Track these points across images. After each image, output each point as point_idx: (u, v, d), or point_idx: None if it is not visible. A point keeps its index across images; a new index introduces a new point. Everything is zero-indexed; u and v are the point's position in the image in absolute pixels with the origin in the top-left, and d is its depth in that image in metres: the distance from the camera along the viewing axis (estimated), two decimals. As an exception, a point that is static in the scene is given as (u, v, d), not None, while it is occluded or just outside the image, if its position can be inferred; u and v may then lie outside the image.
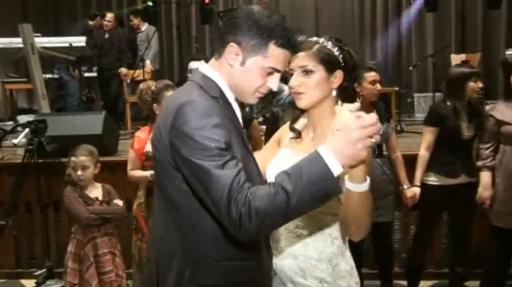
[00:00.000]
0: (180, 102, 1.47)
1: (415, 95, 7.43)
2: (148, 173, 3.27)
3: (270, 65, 1.55)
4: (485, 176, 3.47)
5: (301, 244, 1.74)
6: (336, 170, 1.34)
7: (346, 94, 1.76)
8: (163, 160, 1.52)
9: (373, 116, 1.34)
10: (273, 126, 3.20)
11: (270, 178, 1.75)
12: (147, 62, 7.30)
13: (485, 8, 7.32)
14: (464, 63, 5.58)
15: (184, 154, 1.43)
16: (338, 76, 1.73)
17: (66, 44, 6.77)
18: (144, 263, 3.37)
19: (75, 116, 5.09)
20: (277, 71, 1.57)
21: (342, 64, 1.73)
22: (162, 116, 1.57)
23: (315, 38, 1.77)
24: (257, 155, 1.83)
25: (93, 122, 4.67)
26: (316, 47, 1.73)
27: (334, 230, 1.73)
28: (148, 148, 3.30)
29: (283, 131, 1.93)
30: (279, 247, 1.77)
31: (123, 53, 7.52)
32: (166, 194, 1.56)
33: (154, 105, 3.31)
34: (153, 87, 3.35)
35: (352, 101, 1.76)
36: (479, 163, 3.49)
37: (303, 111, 1.83)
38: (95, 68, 7.71)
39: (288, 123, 1.93)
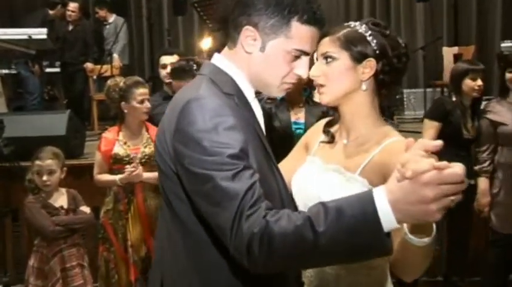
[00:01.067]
0: (185, 100, 1.33)
1: (405, 91, 7.48)
2: (116, 177, 3.26)
3: (295, 46, 1.38)
4: (482, 182, 3.51)
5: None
6: (389, 226, 1.13)
7: (383, 89, 1.59)
8: (167, 169, 1.37)
9: (460, 169, 1.08)
10: (266, 125, 3.23)
11: (295, 192, 1.64)
12: (115, 56, 7.24)
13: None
14: (468, 59, 5.62)
15: (187, 160, 1.27)
16: (369, 66, 1.54)
17: (25, 37, 6.64)
18: (112, 276, 3.34)
19: (36, 116, 5.02)
20: (305, 53, 1.41)
21: (377, 52, 1.53)
22: (166, 116, 1.42)
23: (349, 23, 1.61)
24: (282, 163, 1.71)
25: (56, 122, 4.62)
26: (344, 31, 1.56)
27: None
28: (117, 149, 3.29)
29: (313, 133, 1.77)
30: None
31: (88, 46, 7.45)
32: (171, 209, 1.41)
33: (123, 103, 3.30)
34: (121, 84, 3.32)
35: (390, 97, 1.62)
36: (477, 168, 3.52)
37: (337, 111, 1.65)
38: (57, 63, 7.60)
39: (318, 124, 1.78)
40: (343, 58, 1.55)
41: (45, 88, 7.37)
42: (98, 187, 3.47)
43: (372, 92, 1.59)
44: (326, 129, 1.70)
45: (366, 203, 1.14)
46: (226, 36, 1.47)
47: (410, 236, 1.25)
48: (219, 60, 1.47)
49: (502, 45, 6.39)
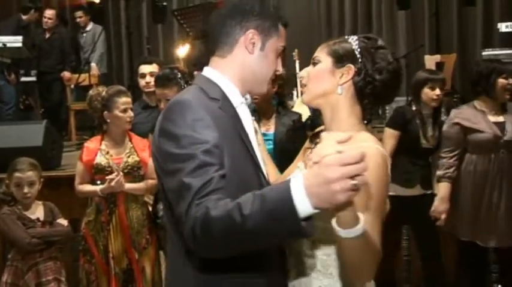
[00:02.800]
0: (170, 102, 1.55)
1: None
2: (98, 187, 3.24)
3: (283, 43, 1.68)
4: (444, 188, 3.49)
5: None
6: (305, 210, 1.25)
7: (365, 100, 1.67)
8: (159, 169, 1.54)
9: (358, 153, 1.22)
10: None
11: None
12: (93, 65, 7.20)
13: (461, 5, 7.52)
14: (433, 68, 5.70)
15: (163, 155, 1.48)
16: (347, 71, 1.66)
17: (0, 45, 6.61)
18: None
19: (11, 126, 4.95)
20: (284, 49, 1.71)
21: (359, 60, 1.65)
22: (158, 121, 1.59)
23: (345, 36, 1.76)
24: (287, 169, 1.89)
25: (32, 133, 4.55)
26: (336, 41, 1.73)
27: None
28: (99, 159, 3.27)
29: (306, 143, 1.88)
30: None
31: (66, 54, 7.39)
32: (168, 210, 1.57)
33: (105, 113, 3.28)
34: (103, 94, 3.31)
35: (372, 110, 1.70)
36: (440, 172, 3.50)
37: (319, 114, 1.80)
38: (33, 72, 7.49)
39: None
40: (326, 62, 1.69)
41: (20, 97, 7.28)
42: (76, 198, 3.44)
43: (351, 98, 1.68)
44: (312, 135, 1.81)
45: (284, 189, 1.27)
46: (215, 46, 1.68)
47: (337, 228, 1.34)
48: (208, 71, 1.68)
49: (483, 53, 6.49)
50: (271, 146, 3.08)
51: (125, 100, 3.28)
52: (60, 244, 3.41)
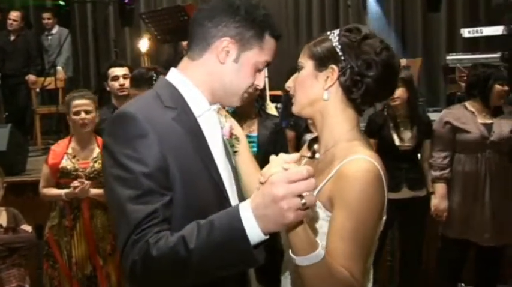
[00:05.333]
0: (114, 114, 1.40)
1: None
2: (63, 191, 3.21)
3: (266, 58, 1.48)
4: (441, 188, 3.57)
5: None
6: (255, 237, 1.16)
7: (358, 100, 1.49)
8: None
9: (305, 169, 1.13)
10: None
11: None
12: (59, 68, 7.08)
13: (425, 11, 7.66)
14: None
15: (104, 176, 1.36)
16: (330, 73, 1.48)
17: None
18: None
19: (-26, 131, 4.85)
20: (269, 64, 1.51)
21: (342, 58, 1.47)
22: None
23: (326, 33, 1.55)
24: None
25: (-4, 137, 4.48)
26: (315, 40, 1.54)
27: None
28: (65, 163, 3.25)
29: (304, 150, 1.72)
30: None
31: (31, 57, 7.27)
32: None
33: (68, 116, 3.31)
34: (66, 98, 3.35)
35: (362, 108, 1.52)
36: (436, 174, 3.57)
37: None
38: (-3, 75, 7.40)
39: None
40: (308, 67, 1.52)
41: (-17, 101, 7.14)
42: (41, 204, 3.40)
43: (341, 102, 1.50)
44: (310, 143, 1.65)
45: (233, 216, 1.17)
46: (189, 45, 1.50)
47: (291, 255, 1.26)
48: (172, 74, 1.51)
49: (448, 57, 6.62)
50: (255, 149, 3.07)
51: (77, 103, 3.28)
52: (24, 250, 3.35)
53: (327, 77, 1.48)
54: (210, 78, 1.47)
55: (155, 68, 3.48)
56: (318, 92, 1.50)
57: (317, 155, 1.45)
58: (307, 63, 1.52)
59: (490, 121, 3.55)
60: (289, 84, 1.58)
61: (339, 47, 1.47)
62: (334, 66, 1.47)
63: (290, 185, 1.12)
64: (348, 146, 1.47)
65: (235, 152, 1.65)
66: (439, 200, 3.56)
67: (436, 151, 3.59)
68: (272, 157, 1.24)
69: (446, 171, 3.56)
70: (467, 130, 3.51)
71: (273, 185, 1.13)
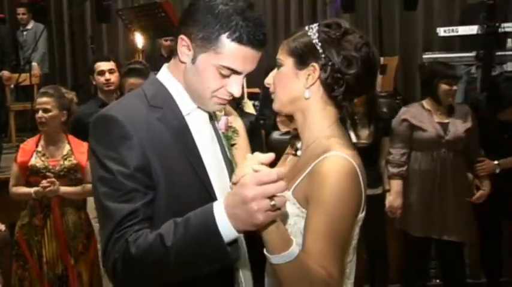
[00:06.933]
0: (97, 115, 1.43)
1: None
2: (32, 190, 3.18)
3: (223, 63, 1.37)
4: (396, 184, 3.60)
5: None
6: (227, 235, 1.19)
7: (340, 97, 1.49)
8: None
9: (276, 171, 1.16)
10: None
11: None
12: (34, 64, 6.99)
13: (402, 9, 7.72)
14: None
15: (92, 178, 1.41)
16: (311, 71, 1.46)
17: None
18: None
19: None
20: (235, 72, 1.40)
21: (322, 56, 1.45)
22: None
23: (304, 27, 1.51)
24: None
25: (-32, 134, 4.41)
26: (294, 36, 1.50)
27: None
28: (34, 161, 3.22)
29: (289, 149, 1.71)
30: None
31: (5, 53, 7.17)
32: None
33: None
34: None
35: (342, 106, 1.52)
36: (393, 170, 3.60)
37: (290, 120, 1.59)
38: (-30, 72, 7.26)
39: None
40: (287, 64, 1.50)
41: (-44, 98, 7.01)
42: (15, 202, 3.36)
43: (322, 100, 1.49)
44: (292, 141, 1.65)
45: (207, 213, 1.21)
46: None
47: (266, 253, 1.27)
48: (162, 71, 1.51)
49: (424, 56, 6.66)
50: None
51: (39, 100, 3.28)
52: (-3, 250, 3.31)
53: (308, 75, 1.47)
54: (184, 77, 1.46)
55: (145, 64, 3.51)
56: (299, 90, 1.48)
57: (299, 153, 1.50)
58: (286, 61, 1.50)
59: (446, 120, 3.59)
60: (268, 80, 1.56)
61: (319, 44, 1.45)
62: (315, 64, 1.45)
63: (260, 187, 1.14)
64: (326, 143, 1.47)
65: (233, 145, 1.65)
66: (393, 196, 3.59)
67: (394, 148, 3.62)
68: (248, 156, 1.26)
69: (404, 168, 3.59)
70: (423, 128, 3.56)
71: (244, 186, 1.16)
